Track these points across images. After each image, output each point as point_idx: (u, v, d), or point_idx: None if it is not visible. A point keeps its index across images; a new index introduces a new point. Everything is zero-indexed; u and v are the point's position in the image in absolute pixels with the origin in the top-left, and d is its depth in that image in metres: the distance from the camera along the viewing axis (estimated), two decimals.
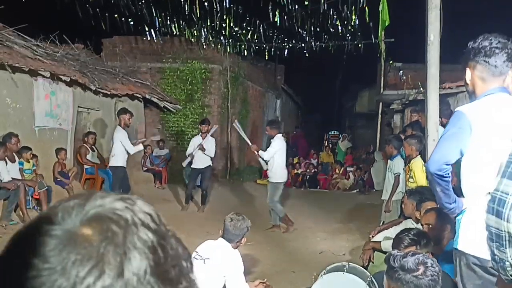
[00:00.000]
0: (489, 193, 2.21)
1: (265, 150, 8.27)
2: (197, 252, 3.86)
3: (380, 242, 4.58)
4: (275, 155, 8.01)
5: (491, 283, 2.39)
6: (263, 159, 8.21)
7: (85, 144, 9.56)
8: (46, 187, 7.89)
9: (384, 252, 4.43)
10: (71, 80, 8.77)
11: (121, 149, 8.13)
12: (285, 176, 8.49)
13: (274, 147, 8.00)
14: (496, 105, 2.45)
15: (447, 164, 2.47)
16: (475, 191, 2.49)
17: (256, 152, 8.34)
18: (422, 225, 3.83)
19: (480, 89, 2.53)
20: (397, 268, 2.13)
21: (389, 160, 6.94)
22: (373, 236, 5.05)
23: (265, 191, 12.71)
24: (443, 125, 5.74)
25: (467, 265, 2.48)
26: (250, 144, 8.66)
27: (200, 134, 9.58)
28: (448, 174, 2.49)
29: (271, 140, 8.23)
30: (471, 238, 2.47)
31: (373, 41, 11.54)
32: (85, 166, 9.55)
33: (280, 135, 8.20)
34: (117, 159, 8.16)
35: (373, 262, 4.54)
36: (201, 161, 9.40)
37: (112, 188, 8.29)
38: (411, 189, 5.22)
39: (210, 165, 9.60)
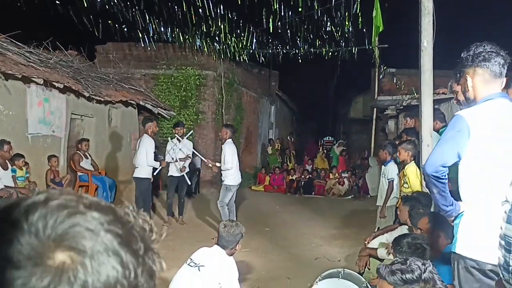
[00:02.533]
0: (507, 201, 2.13)
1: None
2: (191, 260, 3.84)
3: (376, 249, 4.57)
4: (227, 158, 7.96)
5: (489, 286, 2.39)
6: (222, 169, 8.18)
7: (78, 151, 9.50)
8: None
9: (381, 260, 4.42)
10: (64, 87, 8.73)
11: (146, 160, 7.82)
12: (237, 180, 8.23)
13: (230, 153, 7.99)
14: (496, 110, 2.46)
15: (443, 166, 2.49)
16: (473, 195, 2.50)
17: (213, 165, 8.43)
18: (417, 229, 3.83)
19: (481, 93, 2.55)
20: (398, 280, 2.12)
21: (382, 166, 6.95)
22: (368, 242, 5.04)
23: (260, 197, 12.73)
24: (436, 129, 5.76)
25: (465, 268, 2.48)
26: (205, 160, 8.94)
27: (176, 137, 9.07)
28: (445, 176, 2.50)
29: (222, 143, 8.20)
30: (470, 241, 2.47)
31: (367, 47, 11.58)
32: (79, 173, 9.49)
33: (230, 140, 8.16)
34: (142, 170, 7.85)
35: (369, 269, 4.53)
36: (177, 168, 8.86)
37: (136, 202, 7.73)
38: (406, 195, 5.22)
39: (187, 172, 8.99)
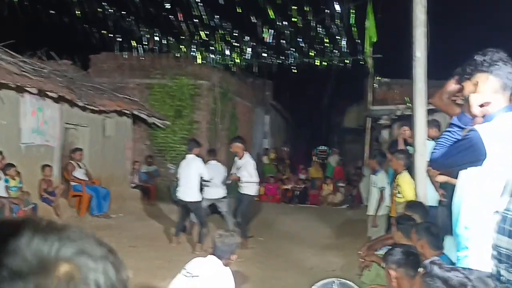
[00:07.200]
0: (498, 212, 2.09)
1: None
2: (186, 270, 3.81)
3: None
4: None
5: None
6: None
7: (72, 161, 9.46)
8: (32, 205, 7.78)
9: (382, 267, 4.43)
10: (58, 96, 8.71)
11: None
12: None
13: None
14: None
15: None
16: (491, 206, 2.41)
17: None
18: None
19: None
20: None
21: (372, 175, 6.99)
22: (363, 253, 5.03)
23: (255, 206, 12.69)
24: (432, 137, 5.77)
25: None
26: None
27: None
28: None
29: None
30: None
31: (361, 57, 11.66)
32: (72, 183, 9.44)
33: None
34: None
35: (369, 271, 4.53)
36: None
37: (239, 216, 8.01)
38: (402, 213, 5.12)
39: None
